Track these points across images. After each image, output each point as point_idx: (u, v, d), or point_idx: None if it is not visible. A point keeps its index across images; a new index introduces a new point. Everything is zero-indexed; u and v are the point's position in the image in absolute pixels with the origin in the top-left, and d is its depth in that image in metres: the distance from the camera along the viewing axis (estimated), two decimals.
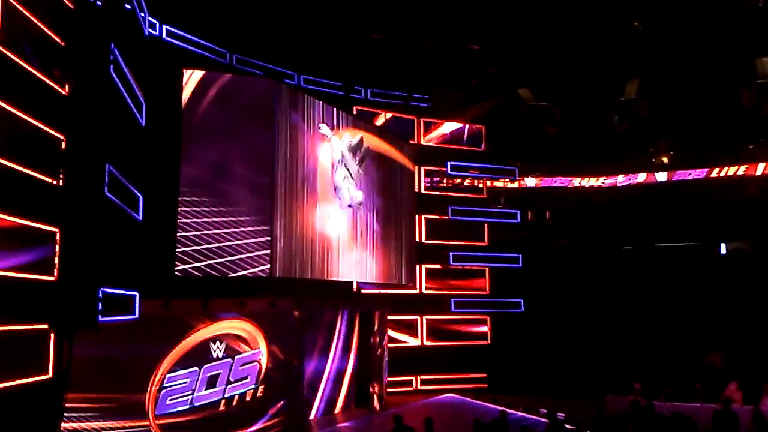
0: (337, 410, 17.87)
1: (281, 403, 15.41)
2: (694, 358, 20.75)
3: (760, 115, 21.28)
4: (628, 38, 20.62)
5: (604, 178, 29.36)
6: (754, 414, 13.43)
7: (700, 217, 28.31)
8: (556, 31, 20.78)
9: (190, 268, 14.16)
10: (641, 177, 28.51)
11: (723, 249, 29.67)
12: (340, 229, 18.34)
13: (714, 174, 27.34)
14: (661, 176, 28.30)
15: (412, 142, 23.31)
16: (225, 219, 14.77)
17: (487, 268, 24.79)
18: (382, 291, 21.61)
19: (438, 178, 24.54)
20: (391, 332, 21.59)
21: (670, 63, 21.75)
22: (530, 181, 30.04)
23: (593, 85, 22.76)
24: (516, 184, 28.37)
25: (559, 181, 30.46)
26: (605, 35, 20.79)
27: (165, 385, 12.88)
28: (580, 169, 30.27)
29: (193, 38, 17.35)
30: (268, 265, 15.25)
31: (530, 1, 19.16)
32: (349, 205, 18.77)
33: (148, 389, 12.60)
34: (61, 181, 8.61)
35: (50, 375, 8.35)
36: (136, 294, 10.76)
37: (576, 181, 30.04)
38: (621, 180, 28.66)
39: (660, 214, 29.42)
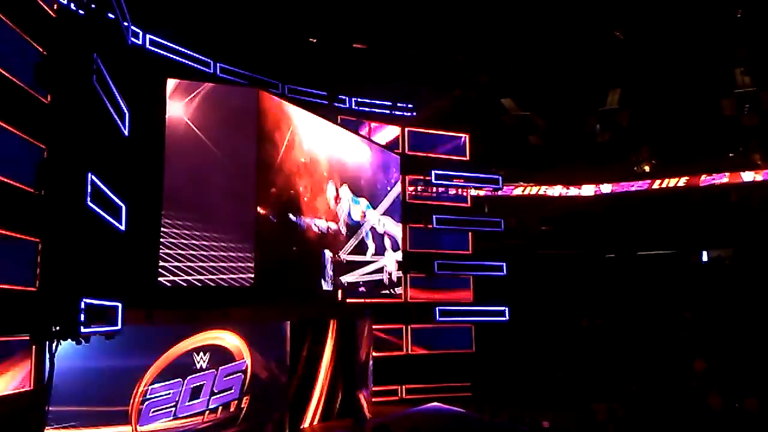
0: (322, 420, 17.78)
1: (266, 413, 15.31)
2: (678, 365, 20.89)
3: (740, 125, 21.58)
4: (610, 48, 20.83)
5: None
6: (735, 419, 13.55)
7: (682, 225, 28.59)
8: (538, 41, 20.95)
9: (174, 278, 14.05)
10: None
11: (705, 256, 29.94)
12: (326, 238, 18.30)
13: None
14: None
15: (397, 151, 23.38)
16: (208, 228, 14.68)
17: (471, 277, 24.85)
18: (367, 300, 21.57)
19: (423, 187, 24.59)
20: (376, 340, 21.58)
21: (652, 73, 22.00)
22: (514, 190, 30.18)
23: (576, 94, 22.97)
24: (499, 193, 28.41)
25: (548, 190, 30.60)
26: (587, 45, 21.00)
27: (148, 396, 12.74)
28: (563, 178, 30.49)
29: (177, 47, 17.30)
30: (252, 275, 15.18)
31: (513, 12, 19.31)
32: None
33: (131, 401, 12.47)
34: (42, 191, 8.54)
35: (31, 387, 8.25)
36: (119, 304, 10.66)
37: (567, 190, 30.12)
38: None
39: (642, 223, 29.69)
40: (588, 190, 30.31)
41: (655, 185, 29.21)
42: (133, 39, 14.69)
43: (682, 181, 28.75)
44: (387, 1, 18.54)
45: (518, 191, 31.22)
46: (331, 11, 18.72)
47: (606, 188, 30.00)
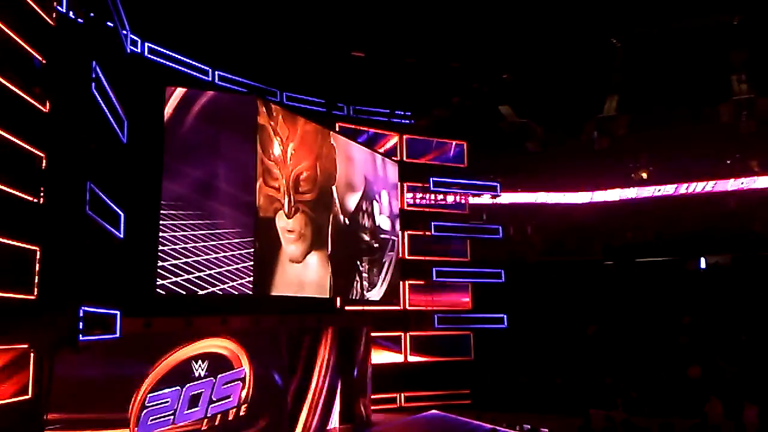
0: (320, 427, 17.73)
1: (264, 422, 15.27)
2: (676, 372, 20.86)
3: (737, 132, 21.62)
4: (607, 55, 20.89)
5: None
6: (735, 428, 13.52)
7: (680, 231, 28.61)
8: (536, 48, 21.03)
9: (171, 284, 14.02)
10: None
11: (702, 263, 29.96)
12: (325, 244, 18.30)
13: None
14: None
15: (395, 158, 23.40)
16: (207, 236, 14.67)
17: (470, 284, 24.84)
18: (366, 307, 21.54)
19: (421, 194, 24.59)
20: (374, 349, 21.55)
21: (649, 79, 22.07)
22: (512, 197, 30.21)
23: (573, 101, 23.01)
24: (498, 200, 28.42)
25: (542, 197, 30.61)
26: (584, 52, 21.07)
27: (147, 404, 12.70)
28: (561, 185, 30.53)
29: (175, 55, 17.34)
30: (251, 283, 15.17)
31: (510, 19, 19.38)
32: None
33: (130, 409, 12.43)
34: (41, 199, 8.53)
35: (30, 395, 8.22)
36: (118, 312, 10.64)
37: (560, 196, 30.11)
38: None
39: (640, 229, 29.71)
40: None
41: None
42: (131, 47, 14.75)
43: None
44: (385, 10, 18.60)
45: (516, 198, 31.24)
46: (329, 19, 18.78)
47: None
